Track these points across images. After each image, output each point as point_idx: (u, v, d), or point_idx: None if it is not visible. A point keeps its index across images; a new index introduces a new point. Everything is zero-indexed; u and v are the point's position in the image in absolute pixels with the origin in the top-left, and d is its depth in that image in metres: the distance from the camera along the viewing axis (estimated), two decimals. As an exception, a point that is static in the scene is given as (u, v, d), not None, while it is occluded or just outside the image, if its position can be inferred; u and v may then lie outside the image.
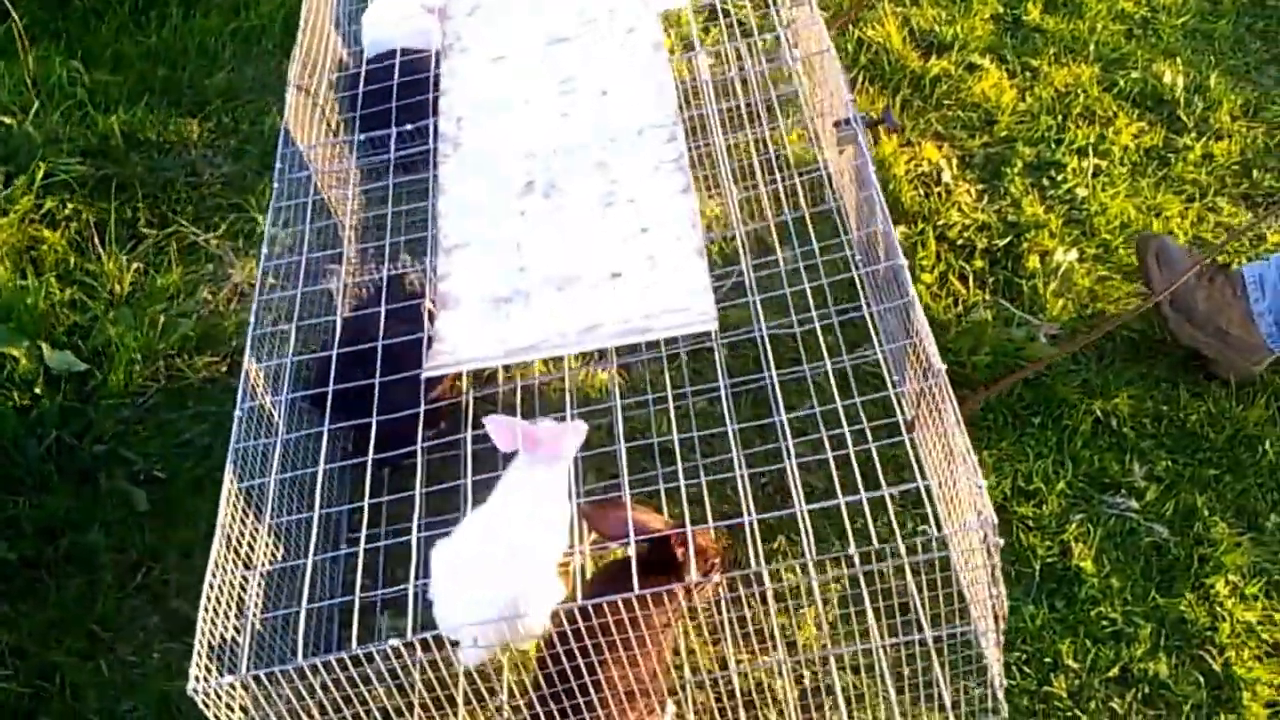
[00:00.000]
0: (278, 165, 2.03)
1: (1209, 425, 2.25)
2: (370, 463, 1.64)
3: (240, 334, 2.51)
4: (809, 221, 1.95)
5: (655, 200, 1.77)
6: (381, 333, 1.78)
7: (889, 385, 1.65)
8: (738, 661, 1.90)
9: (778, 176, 2.25)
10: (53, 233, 2.70)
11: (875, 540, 1.43)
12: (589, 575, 1.80)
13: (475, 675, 1.78)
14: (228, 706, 1.45)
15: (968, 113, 2.90)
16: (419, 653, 1.49)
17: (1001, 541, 1.47)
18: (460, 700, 1.69)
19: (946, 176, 2.74)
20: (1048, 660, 1.94)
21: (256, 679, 1.44)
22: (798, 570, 1.93)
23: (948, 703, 1.78)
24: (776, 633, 1.92)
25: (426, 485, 1.66)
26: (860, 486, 1.50)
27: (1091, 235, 2.61)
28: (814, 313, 1.79)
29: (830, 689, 1.86)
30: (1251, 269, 2.30)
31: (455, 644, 1.61)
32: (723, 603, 1.91)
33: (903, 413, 1.76)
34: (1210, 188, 2.70)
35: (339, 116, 2.38)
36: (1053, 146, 2.80)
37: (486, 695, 1.76)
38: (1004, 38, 3.12)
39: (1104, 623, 1.99)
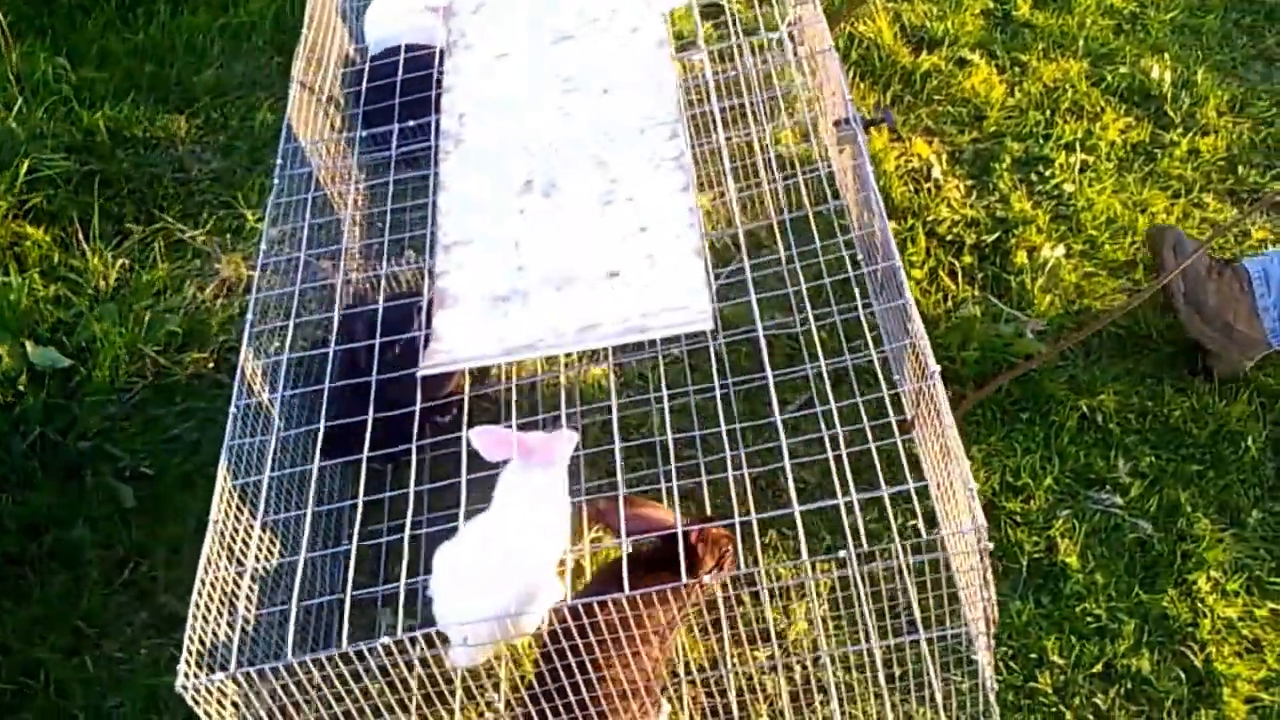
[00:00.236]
0: (279, 161, 2.02)
1: (1193, 421, 2.26)
2: (373, 458, 1.63)
3: (227, 330, 2.50)
4: (811, 221, 1.95)
5: (655, 198, 1.76)
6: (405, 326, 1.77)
7: (882, 385, 1.65)
8: (732, 660, 1.90)
9: (775, 175, 2.25)
10: (36, 229, 2.69)
11: (865, 541, 1.43)
12: (592, 572, 1.80)
13: (470, 673, 1.78)
14: (218, 703, 1.45)
15: (957, 108, 2.90)
16: (410, 650, 1.49)
17: (991, 545, 1.47)
18: (458, 699, 1.69)
19: (936, 172, 2.74)
20: (1033, 656, 1.95)
21: (246, 676, 1.44)
22: (794, 569, 1.93)
23: (940, 703, 1.78)
24: (771, 631, 1.92)
25: (428, 481, 1.67)
26: (852, 487, 1.49)
27: (1078, 231, 2.61)
28: (810, 311, 1.78)
29: (823, 687, 1.86)
30: (1255, 264, 2.31)
31: (447, 642, 1.61)
32: (716, 601, 1.91)
33: (900, 412, 1.76)
34: (1196, 183, 2.70)
35: (348, 111, 2.37)
36: (1041, 142, 2.80)
37: (478, 693, 1.76)
38: (994, 33, 3.12)
39: (1089, 619, 1.99)
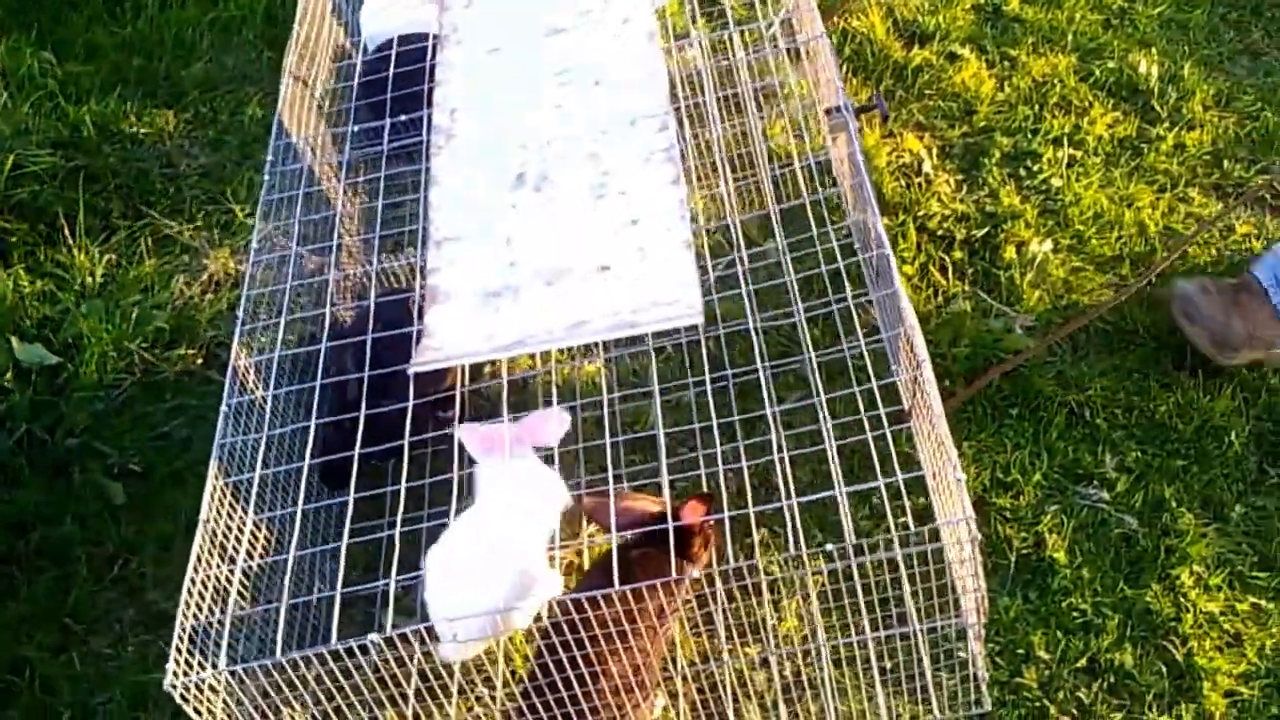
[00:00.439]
0: (269, 157, 2.01)
1: (1178, 416, 2.27)
2: (372, 455, 1.63)
3: (215, 326, 2.50)
4: (808, 209, 1.94)
5: (646, 192, 1.76)
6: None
7: (872, 378, 1.65)
8: (728, 653, 1.91)
9: (768, 166, 2.24)
10: (22, 224, 2.67)
11: (854, 534, 1.43)
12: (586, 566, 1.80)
13: (464, 668, 1.78)
14: (209, 700, 1.45)
15: (948, 103, 2.91)
16: (400, 647, 1.49)
17: (980, 536, 1.48)
18: (454, 701, 1.69)
19: (927, 167, 2.74)
20: (1020, 651, 1.96)
21: (234, 673, 1.44)
22: (787, 563, 1.94)
23: (932, 694, 1.79)
24: (764, 625, 1.93)
25: (427, 477, 1.67)
26: (840, 481, 1.50)
27: (1066, 226, 2.62)
28: (800, 305, 1.78)
29: (814, 682, 1.87)
30: (1261, 270, 2.32)
31: (437, 639, 1.61)
32: (707, 596, 1.91)
33: (893, 403, 1.76)
34: (1182, 178, 2.71)
35: (350, 104, 2.35)
36: (1029, 136, 2.81)
37: (468, 689, 1.76)
38: (984, 28, 3.12)
39: (1074, 614, 2.01)
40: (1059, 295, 2.50)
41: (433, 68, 2.05)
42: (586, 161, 1.81)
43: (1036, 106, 2.88)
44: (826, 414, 1.59)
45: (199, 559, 1.55)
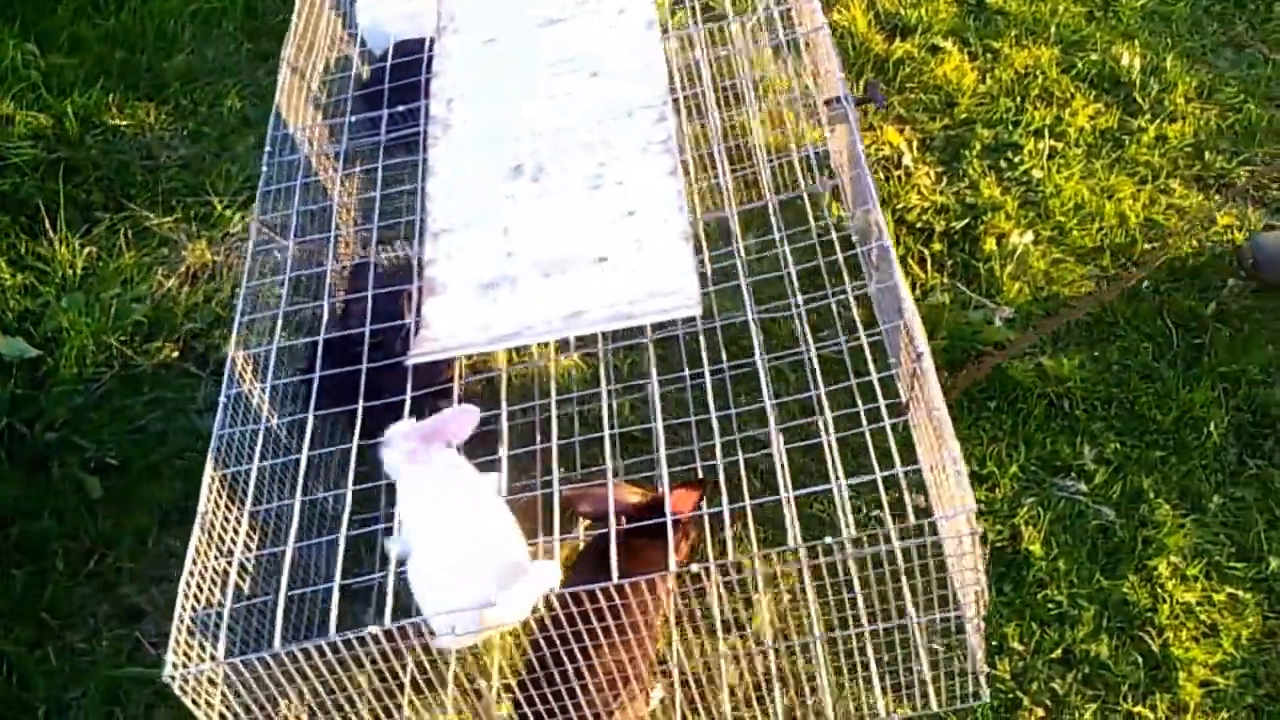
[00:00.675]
0: (267, 148, 1.99)
1: (1157, 407, 2.27)
2: (367, 446, 1.62)
3: (192, 318, 2.49)
4: (806, 201, 1.94)
5: (643, 182, 1.74)
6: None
7: (872, 370, 1.64)
8: (725, 645, 1.91)
9: (766, 157, 2.23)
10: (3, 216, 2.67)
11: (851, 528, 1.43)
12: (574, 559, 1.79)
13: (461, 657, 1.77)
14: (208, 692, 1.45)
15: (929, 95, 2.90)
16: (384, 640, 1.47)
17: (980, 529, 1.46)
18: (450, 695, 1.68)
19: (907, 159, 2.74)
20: (994, 643, 1.96)
21: (231, 665, 1.43)
22: (782, 556, 1.93)
23: (929, 687, 1.78)
24: (760, 618, 1.92)
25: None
26: (836, 474, 1.48)
27: (1046, 217, 2.61)
28: (798, 298, 1.77)
29: (812, 674, 1.86)
30: None
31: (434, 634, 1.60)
32: (705, 588, 1.90)
33: (891, 396, 1.75)
34: (1163, 169, 2.71)
35: (344, 96, 2.34)
36: (1010, 128, 2.81)
37: (465, 682, 1.75)
38: (967, 20, 3.11)
39: (1050, 605, 2.01)
40: (1039, 287, 2.49)
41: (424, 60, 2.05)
42: (583, 152, 1.80)
43: (1018, 98, 2.87)
44: (825, 406, 1.58)
45: (197, 551, 1.53)
